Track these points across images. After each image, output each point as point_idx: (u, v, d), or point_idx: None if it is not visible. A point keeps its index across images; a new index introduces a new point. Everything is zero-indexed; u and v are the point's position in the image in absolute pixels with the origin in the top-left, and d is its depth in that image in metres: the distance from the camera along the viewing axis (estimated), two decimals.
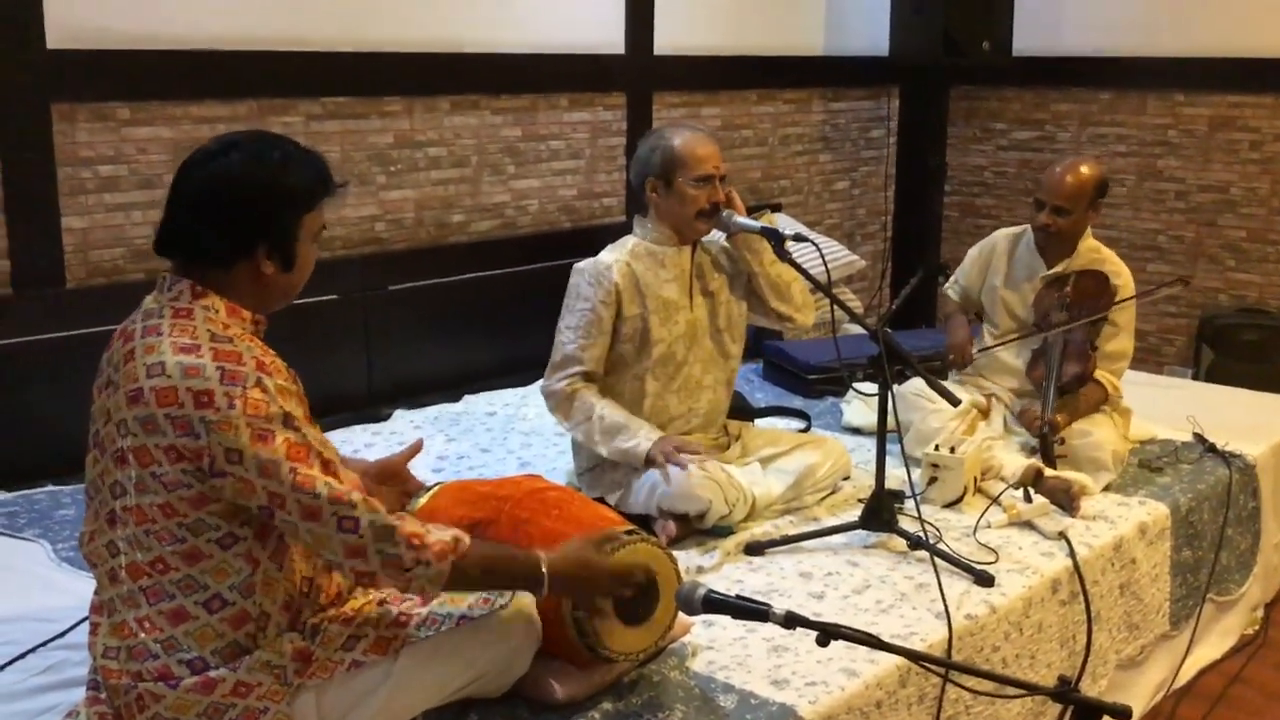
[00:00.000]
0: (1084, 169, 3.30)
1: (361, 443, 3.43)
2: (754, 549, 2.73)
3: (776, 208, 3.22)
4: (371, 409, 3.73)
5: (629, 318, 2.87)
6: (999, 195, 5.55)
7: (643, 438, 2.77)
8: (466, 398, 3.88)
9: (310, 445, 1.76)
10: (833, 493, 3.06)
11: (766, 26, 5.01)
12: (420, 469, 2.95)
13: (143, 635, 1.78)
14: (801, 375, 3.99)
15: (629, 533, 2.12)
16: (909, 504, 2.83)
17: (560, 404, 2.86)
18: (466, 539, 1.84)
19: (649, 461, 2.74)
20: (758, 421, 3.54)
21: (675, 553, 2.53)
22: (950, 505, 3.01)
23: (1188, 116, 4.99)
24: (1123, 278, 3.35)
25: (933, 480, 3.05)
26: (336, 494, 1.74)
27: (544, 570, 1.89)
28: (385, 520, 1.78)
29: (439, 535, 1.81)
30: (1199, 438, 3.48)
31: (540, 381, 2.96)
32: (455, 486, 2.38)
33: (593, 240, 3.16)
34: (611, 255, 2.92)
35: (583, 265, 2.92)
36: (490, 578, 1.91)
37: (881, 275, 5.76)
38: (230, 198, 1.78)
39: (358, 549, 1.75)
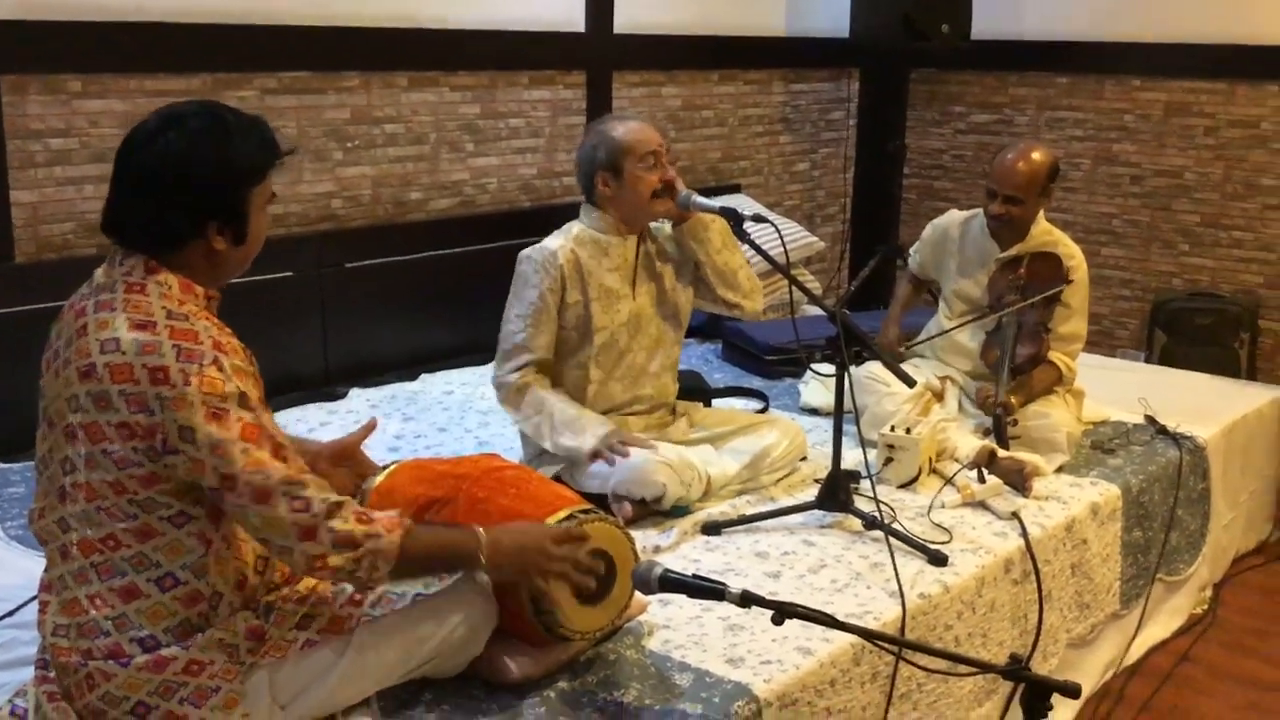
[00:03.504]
0: (1035, 156, 3.32)
1: (317, 421, 3.41)
2: (711, 529, 2.74)
3: (761, 220, 3.16)
4: (327, 388, 3.71)
5: (571, 305, 2.87)
6: (957, 178, 5.58)
7: (590, 434, 2.77)
8: (423, 377, 3.86)
9: (263, 427, 1.74)
10: (790, 473, 3.08)
11: (728, 6, 5.00)
12: (377, 448, 2.94)
13: (93, 612, 1.76)
14: (760, 356, 4.00)
15: (585, 511, 2.12)
16: (865, 484, 2.85)
17: (511, 397, 2.87)
18: (410, 519, 1.85)
19: (594, 456, 2.76)
20: (716, 402, 3.55)
21: (633, 532, 2.54)
22: (905, 486, 3.04)
23: (1144, 101, 5.04)
24: (1076, 260, 3.39)
25: (888, 461, 3.07)
26: (287, 475, 1.73)
27: (481, 542, 1.89)
28: (335, 499, 1.77)
29: (385, 514, 1.82)
30: (1150, 420, 3.53)
31: (491, 371, 2.95)
32: (412, 465, 2.36)
33: (552, 219, 3.14)
34: (557, 241, 2.92)
35: (529, 252, 2.92)
36: (434, 558, 1.90)
37: (841, 257, 5.78)
38: (177, 177, 1.75)
39: (309, 529, 1.74)
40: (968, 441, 3.16)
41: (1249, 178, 4.83)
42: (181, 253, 1.79)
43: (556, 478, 2.77)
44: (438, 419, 3.50)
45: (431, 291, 4.03)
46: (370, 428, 2.15)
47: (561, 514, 2.08)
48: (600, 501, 2.69)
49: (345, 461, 2.14)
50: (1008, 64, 5.35)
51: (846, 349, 2.73)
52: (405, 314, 3.97)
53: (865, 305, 4.93)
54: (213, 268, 1.82)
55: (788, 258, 2.96)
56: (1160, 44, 4.93)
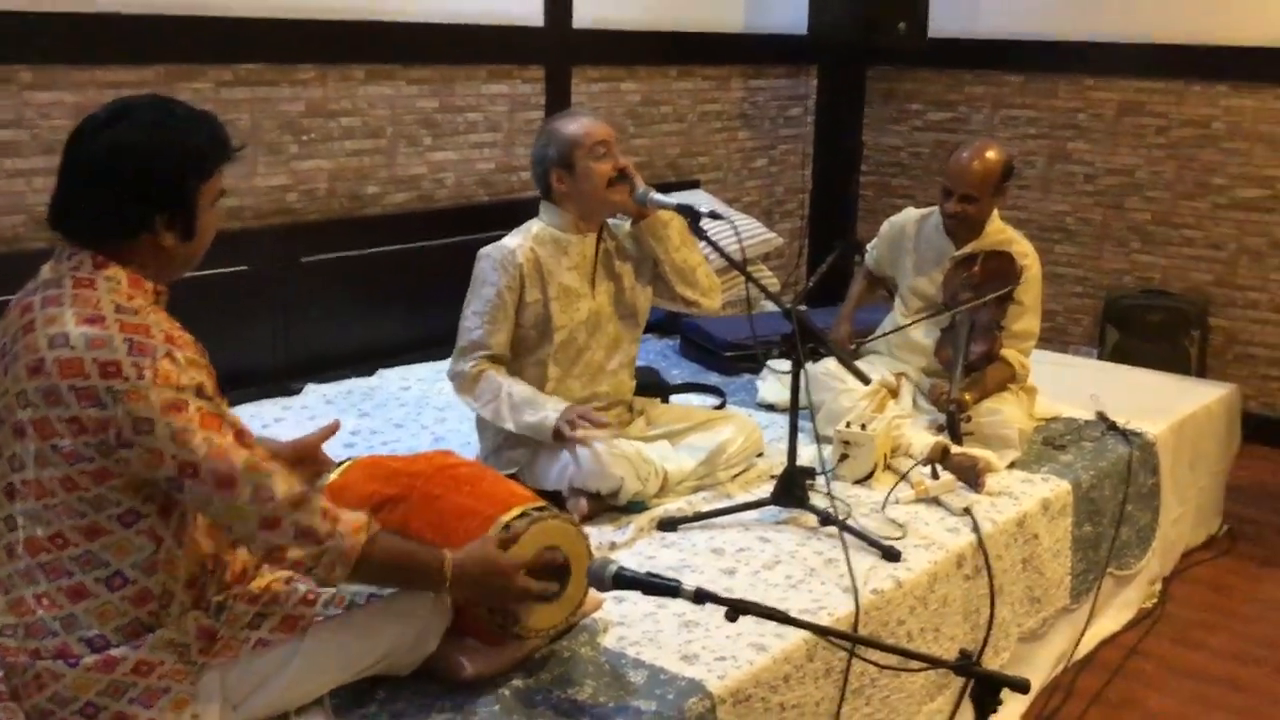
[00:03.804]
0: (989, 154, 3.35)
1: (271, 417, 3.39)
2: (667, 525, 2.75)
3: (717, 217, 3.14)
4: (282, 383, 3.68)
5: (530, 303, 2.87)
6: (914, 175, 5.62)
7: (550, 409, 2.77)
8: (380, 372, 3.85)
9: (223, 415, 1.74)
10: (746, 469, 3.09)
11: (687, 2, 5.00)
12: (332, 445, 2.90)
13: (41, 612, 1.74)
14: (718, 352, 4.01)
15: (539, 509, 2.12)
16: (820, 480, 2.87)
17: (466, 384, 2.86)
18: (377, 525, 1.84)
19: (556, 434, 2.75)
20: (674, 398, 3.56)
21: (589, 529, 2.55)
22: (860, 482, 3.06)
23: (1097, 100, 5.09)
24: (1029, 258, 3.42)
25: (844, 457, 3.09)
26: (253, 463, 1.73)
27: (447, 570, 1.89)
28: (301, 491, 1.76)
29: (352, 514, 1.81)
30: (1101, 416, 3.57)
31: (447, 366, 2.95)
32: (366, 462, 2.36)
33: (511, 214, 3.14)
34: (516, 240, 2.91)
35: (487, 250, 2.91)
36: (395, 570, 1.89)
37: (799, 252, 5.81)
38: (125, 169, 1.73)
39: (272, 519, 1.73)
40: (922, 438, 3.19)
41: (1200, 177, 4.90)
42: (129, 247, 1.77)
43: (514, 477, 2.76)
44: (394, 415, 3.49)
45: (388, 286, 4.01)
46: (332, 430, 2.14)
47: (515, 511, 2.08)
48: (555, 500, 2.70)
49: (305, 461, 2.13)
50: (963, 62, 5.40)
51: (802, 346, 2.75)
52: (362, 309, 3.95)
53: (825, 301, 4.95)
54: (161, 263, 1.81)
55: (744, 254, 2.96)
56: (1113, 43, 4.98)
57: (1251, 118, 4.74)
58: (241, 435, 1.75)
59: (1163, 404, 3.78)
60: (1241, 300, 4.87)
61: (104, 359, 1.68)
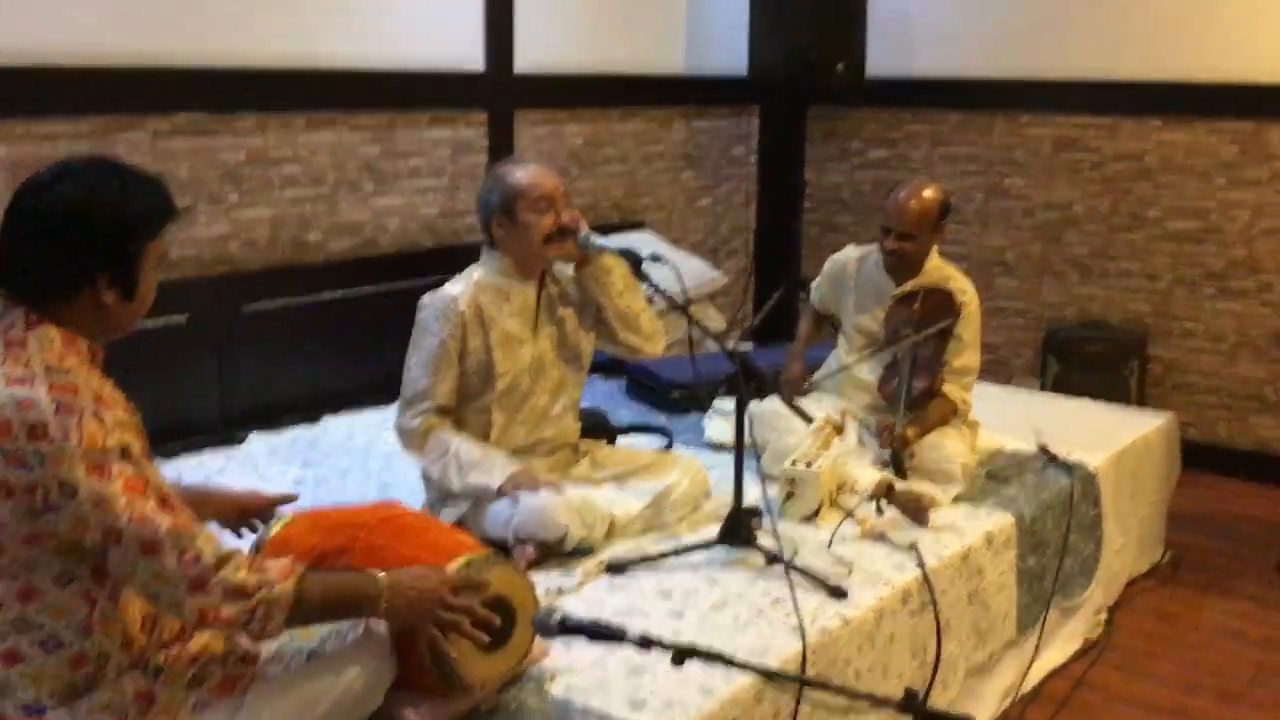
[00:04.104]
0: (926, 193, 3.41)
1: (215, 468, 3.35)
2: (615, 568, 2.74)
3: (659, 259, 3.13)
4: (226, 433, 3.64)
5: (472, 350, 2.88)
6: (857, 212, 5.68)
7: (497, 473, 2.77)
8: (325, 420, 3.82)
9: (147, 479, 1.72)
10: (693, 511, 3.09)
11: (628, 46, 5.06)
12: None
13: None
14: (664, 393, 4.02)
15: (486, 558, 2.11)
16: (767, 520, 2.88)
17: (415, 441, 2.86)
18: (303, 565, 1.83)
19: (500, 494, 2.75)
20: (620, 439, 3.57)
21: (536, 574, 2.54)
22: (807, 520, 3.07)
23: (1033, 137, 5.19)
24: (968, 294, 3.47)
25: (790, 496, 3.10)
26: (176, 527, 1.71)
27: (380, 586, 1.88)
28: (225, 550, 1.75)
29: (278, 561, 1.81)
30: (1043, 449, 3.61)
31: (394, 414, 2.94)
32: (308, 516, 2.33)
33: (455, 259, 3.15)
34: (457, 287, 2.92)
35: (429, 299, 2.92)
36: (331, 603, 1.88)
37: (746, 290, 5.85)
38: (69, 228, 1.73)
39: (199, 581, 1.71)
40: (867, 474, 3.22)
41: (1134, 210, 5.00)
42: (68, 305, 1.76)
43: (460, 523, 2.76)
44: (340, 463, 3.46)
45: (333, 334, 3.99)
46: (290, 499, 2.15)
47: (461, 560, 2.07)
48: (504, 547, 2.69)
49: (254, 515, 2.13)
50: (902, 101, 5.48)
51: (746, 386, 2.76)
52: (306, 357, 3.93)
53: (772, 338, 4.99)
54: (99, 322, 1.79)
55: (687, 297, 2.98)
56: (1047, 81, 5.09)
57: (1183, 152, 4.86)
58: (165, 500, 1.73)
59: (1103, 434, 3.83)
60: (1178, 330, 4.97)
61: (32, 420, 1.66)
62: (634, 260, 2.88)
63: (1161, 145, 4.90)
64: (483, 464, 2.80)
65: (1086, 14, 4.97)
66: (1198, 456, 4.64)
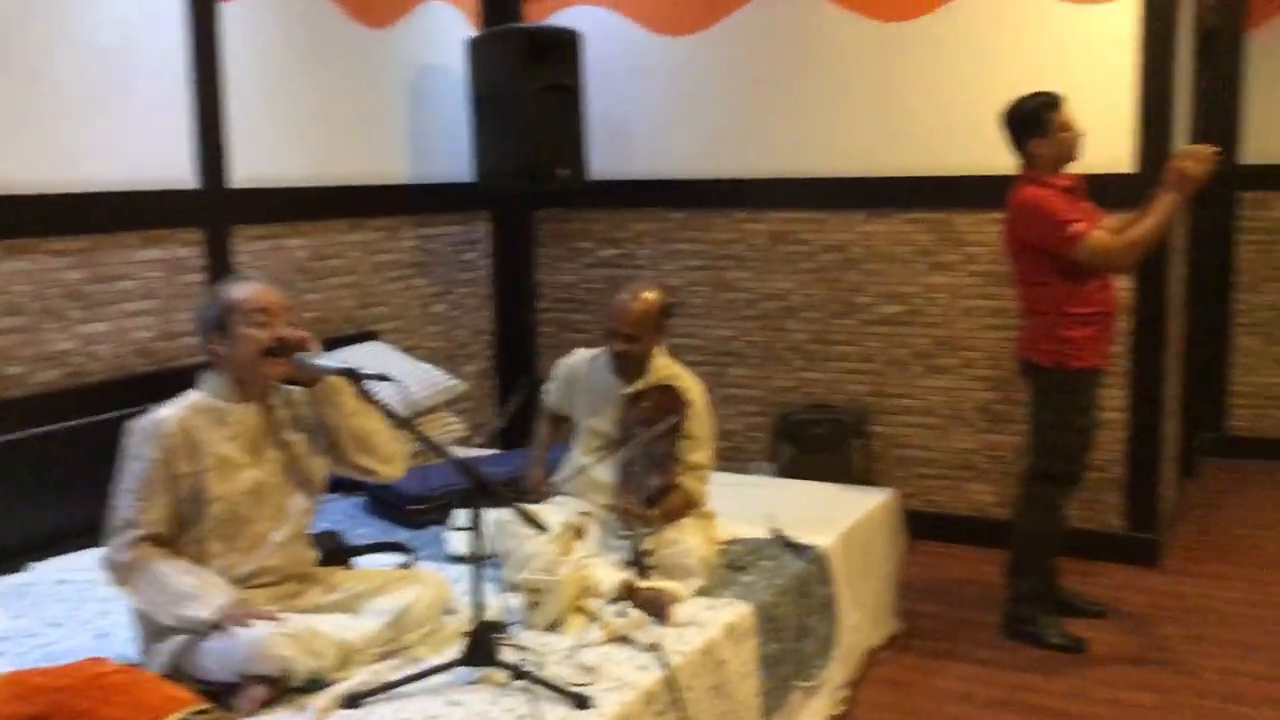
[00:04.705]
0: (647, 295, 3.51)
1: None
2: (351, 702, 2.63)
3: (384, 378, 3.08)
4: None
5: (183, 475, 2.75)
6: (591, 310, 5.79)
7: (207, 605, 2.63)
8: (32, 567, 3.55)
9: None
10: (436, 629, 3.02)
11: (350, 156, 5.02)
12: None
13: None
14: (404, 508, 3.94)
15: (200, 712, 1.99)
16: (510, 632, 2.85)
17: (122, 575, 2.69)
18: None
19: (214, 628, 2.61)
20: (358, 560, 3.47)
21: (266, 715, 2.42)
22: (551, 628, 3.05)
23: (750, 231, 5.44)
24: (694, 392, 3.58)
25: (534, 605, 3.08)
26: None
27: None
28: None
29: None
30: (776, 534, 3.73)
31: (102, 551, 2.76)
32: (6, 680, 2.15)
33: (174, 383, 3.00)
34: (167, 410, 2.80)
35: (136, 423, 2.78)
36: None
37: (489, 393, 5.84)
38: None
39: None
40: (610, 576, 3.23)
41: (846, 297, 5.30)
42: None
43: (175, 666, 2.59)
44: (51, 612, 3.22)
45: (41, 472, 3.72)
46: None
47: (174, 718, 1.95)
48: (231, 688, 2.55)
49: None
50: (626, 202, 5.66)
51: (478, 496, 2.74)
52: (9, 500, 3.64)
53: (519, 441, 4.97)
54: None
55: (416, 411, 2.94)
56: (759, 179, 5.36)
57: (885, 241, 5.19)
58: None
59: (832, 515, 4.00)
60: (894, 407, 5.26)
61: None
62: (354, 378, 2.83)
63: (866, 235, 5.22)
64: (195, 595, 2.65)
65: (790, 118, 5.28)
66: (923, 526, 4.90)
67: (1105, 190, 4.22)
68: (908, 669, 4.01)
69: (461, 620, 3.03)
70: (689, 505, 3.53)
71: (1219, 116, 6.04)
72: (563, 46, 5.14)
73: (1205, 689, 3.81)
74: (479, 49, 5.18)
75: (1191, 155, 3.81)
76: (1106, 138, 4.57)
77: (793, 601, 3.46)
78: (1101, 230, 3.91)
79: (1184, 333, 5.63)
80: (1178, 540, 5.15)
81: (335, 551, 3.39)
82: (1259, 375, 6.44)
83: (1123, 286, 4.22)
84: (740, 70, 5.37)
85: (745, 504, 3.98)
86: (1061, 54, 4.75)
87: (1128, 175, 4.60)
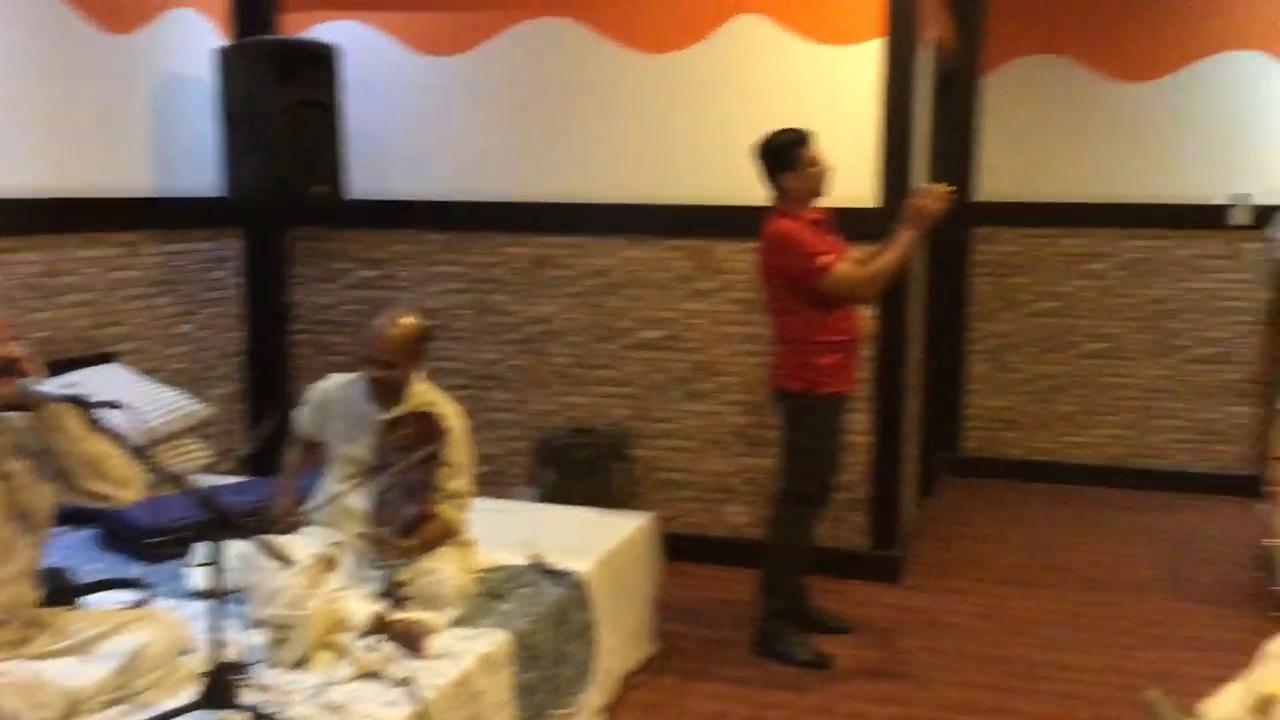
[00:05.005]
0: (405, 320, 3.45)
1: None
2: None
3: (114, 405, 2.89)
4: None
5: None
6: (349, 333, 5.63)
7: None
8: None
9: None
10: (173, 671, 2.85)
11: (87, 167, 4.72)
12: None
13: None
14: (139, 540, 3.72)
15: None
16: (255, 671, 2.72)
17: None
18: None
19: None
20: (88, 599, 3.24)
21: None
22: (298, 666, 2.94)
23: (512, 255, 5.42)
24: (452, 419, 3.52)
25: (279, 642, 2.95)
26: None
27: None
28: None
29: None
30: (535, 560, 3.71)
31: None
32: None
33: None
34: None
35: None
36: None
37: (238, 419, 5.60)
38: None
39: None
40: (362, 609, 3.13)
41: (608, 321, 5.35)
42: None
43: None
44: None
45: None
46: None
47: None
48: None
49: None
50: (386, 222, 5.55)
51: (217, 528, 2.61)
52: None
53: (273, 466, 4.77)
54: None
55: (153, 436, 2.78)
56: (522, 203, 5.36)
57: (645, 267, 5.27)
58: None
59: (592, 539, 4.01)
60: (655, 431, 5.34)
61: None
62: (84, 406, 2.64)
63: (627, 261, 5.29)
64: None
65: (554, 144, 5.30)
66: (682, 548, 4.98)
67: (851, 224, 4.42)
68: (663, 691, 4.05)
69: (203, 660, 2.88)
70: (447, 533, 3.48)
71: (955, 156, 6.43)
72: (319, 61, 4.99)
73: (941, 701, 4.01)
74: (229, 60, 4.97)
75: (928, 193, 4.03)
76: (852, 174, 4.79)
77: (551, 628, 3.44)
78: (847, 262, 4.08)
79: (923, 360, 5.94)
80: (918, 557, 5.42)
81: (60, 590, 3.16)
82: (990, 399, 6.88)
83: (867, 316, 4.40)
84: (505, 93, 5.36)
85: (505, 530, 3.94)
86: (812, 93, 4.95)
87: (871, 210, 4.83)
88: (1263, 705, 3.23)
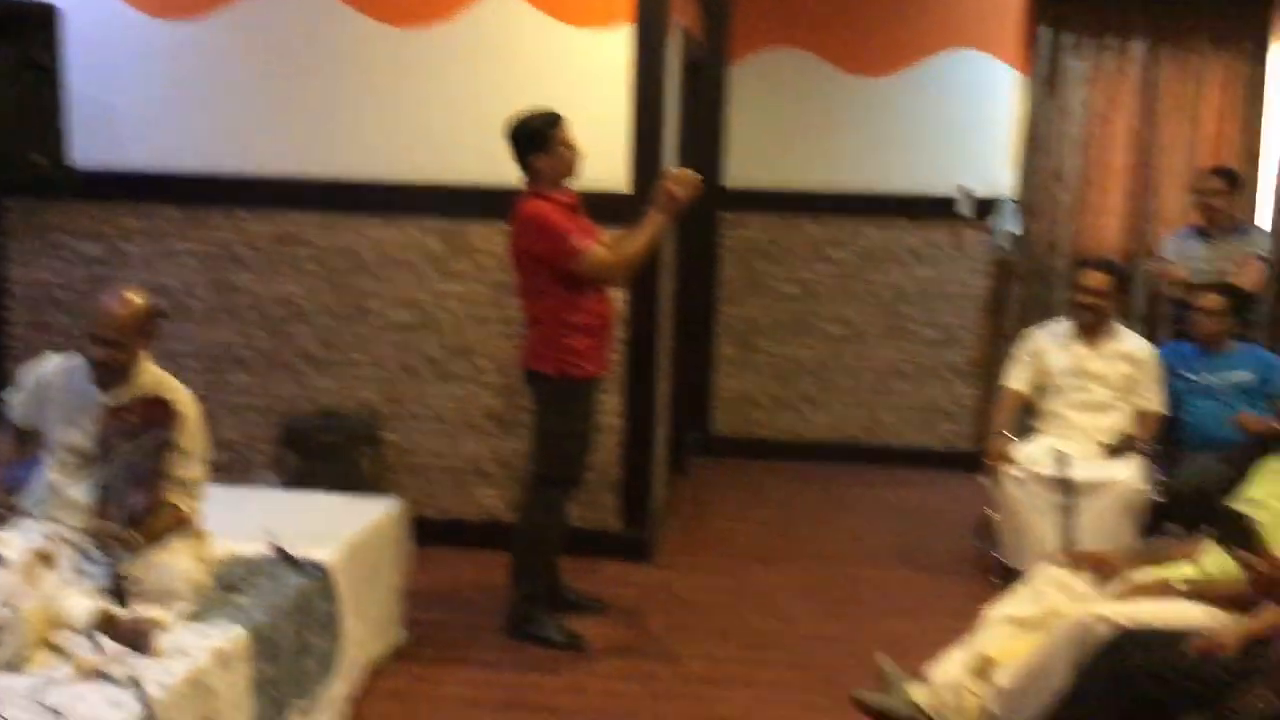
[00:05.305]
0: (132, 298, 3.26)
1: None
2: None
3: None
4: None
5: None
6: (72, 312, 5.26)
7: None
8: None
9: None
10: None
11: None
12: None
13: None
14: None
15: None
16: None
17: None
18: None
19: None
20: None
21: None
22: (12, 668, 2.73)
23: (252, 233, 5.19)
24: (185, 404, 3.35)
25: None
26: None
27: None
28: None
29: None
30: (276, 549, 3.57)
31: None
32: None
33: None
34: None
35: None
36: None
37: None
38: None
39: None
40: (84, 606, 2.94)
41: (357, 302, 5.20)
42: None
43: None
44: None
45: None
46: None
47: None
48: None
49: None
50: (115, 195, 5.21)
51: None
52: None
53: None
54: None
55: None
56: (263, 178, 5.14)
57: (396, 247, 5.15)
58: None
59: (338, 527, 3.89)
60: (407, 414, 5.24)
61: None
62: None
63: (377, 241, 5.15)
64: None
65: (298, 117, 5.10)
66: (433, 533, 4.89)
67: (602, 208, 4.44)
68: (413, 678, 3.99)
69: None
70: (178, 524, 3.30)
71: (703, 143, 6.57)
72: (37, 21, 4.63)
73: (688, 675, 4.11)
74: None
75: (677, 179, 4.10)
76: (603, 159, 4.81)
77: (292, 620, 3.32)
78: (600, 245, 4.11)
79: (673, 342, 6.06)
80: (668, 536, 5.53)
81: None
82: (737, 380, 7.08)
83: (618, 299, 4.45)
84: (245, 63, 5.11)
85: (245, 519, 3.77)
86: (565, 75, 4.94)
87: (623, 195, 4.87)
88: (982, 667, 3.47)
